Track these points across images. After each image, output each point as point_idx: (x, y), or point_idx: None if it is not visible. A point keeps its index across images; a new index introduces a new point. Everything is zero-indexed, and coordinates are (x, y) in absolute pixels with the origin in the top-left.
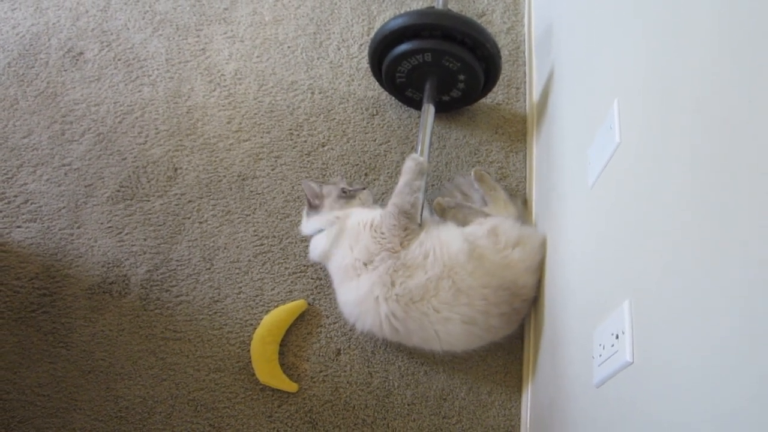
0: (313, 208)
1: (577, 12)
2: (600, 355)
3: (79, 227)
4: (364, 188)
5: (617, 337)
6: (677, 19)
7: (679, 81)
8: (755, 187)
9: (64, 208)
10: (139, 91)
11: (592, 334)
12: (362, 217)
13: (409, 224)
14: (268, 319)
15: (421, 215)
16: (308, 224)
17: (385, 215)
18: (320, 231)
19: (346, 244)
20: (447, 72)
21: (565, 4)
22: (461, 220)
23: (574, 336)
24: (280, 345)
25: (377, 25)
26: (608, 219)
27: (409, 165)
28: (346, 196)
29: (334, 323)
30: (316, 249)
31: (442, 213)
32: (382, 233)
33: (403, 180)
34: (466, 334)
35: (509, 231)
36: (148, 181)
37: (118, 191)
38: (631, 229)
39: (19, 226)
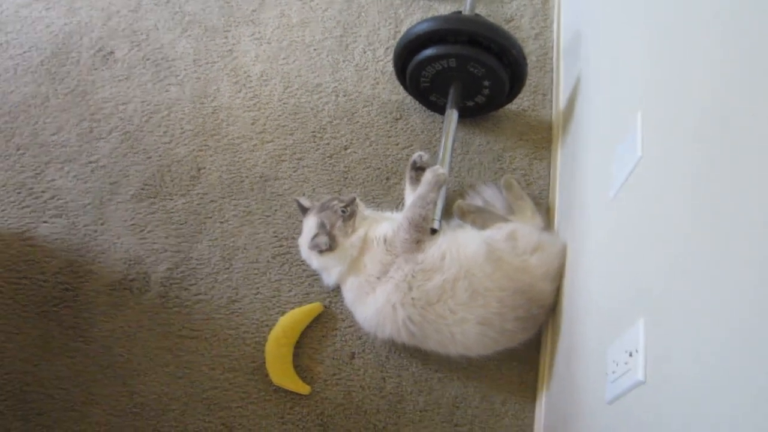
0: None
1: (604, 21)
2: (613, 372)
3: (103, 224)
4: (354, 198)
5: (631, 355)
6: (703, 35)
7: (703, 97)
8: None
9: (89, 204)
10: (167, 91)
11: (607, 349)
12: (374, 233)
13: (422, 237)
14: (283, 321)
15: (440, 222)
16: (330, 262)
17: (398, 230)
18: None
19: (361, 262)
20: (472, 77)
21: (593, 11)
22: (480, 224)
23: (590, 350)
24: (295, 347)
25: (404, 29)
26: (627, 233)
27: (428, 177)
28: (347, 215)
29: (349, 327)
30: (332, 274)
31: (462, 216)
32: (396, 247)
33: (418, 191)
34: (480, 336)
35: (528, 236)
36: (172, 180)
37: (143, 189)
38: (648, 245)
39: (45, 221)
